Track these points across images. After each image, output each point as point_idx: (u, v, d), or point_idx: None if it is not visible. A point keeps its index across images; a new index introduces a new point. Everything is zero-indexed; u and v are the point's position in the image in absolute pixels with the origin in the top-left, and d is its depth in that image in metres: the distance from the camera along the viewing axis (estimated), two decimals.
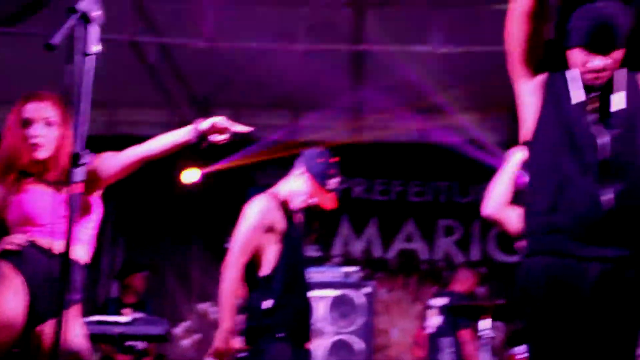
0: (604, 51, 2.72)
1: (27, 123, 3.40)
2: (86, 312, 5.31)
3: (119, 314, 6.83)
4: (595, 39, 2.70)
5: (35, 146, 3.36)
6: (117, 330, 5.88)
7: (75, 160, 2.27)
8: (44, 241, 3.38)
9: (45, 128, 3.38)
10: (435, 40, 6.97)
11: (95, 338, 5.85)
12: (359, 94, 8.41)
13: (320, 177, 4.41)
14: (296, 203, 4.40)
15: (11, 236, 3.45)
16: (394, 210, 9.31)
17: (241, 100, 8.56)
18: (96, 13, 2.29)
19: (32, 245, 3.41)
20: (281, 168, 4.59)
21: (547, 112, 2.76)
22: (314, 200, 4.42)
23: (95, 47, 2.28)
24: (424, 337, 7.77)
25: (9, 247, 3.42)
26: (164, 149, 3.62)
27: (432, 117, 8.57)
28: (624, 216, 2.61)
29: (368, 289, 6.93)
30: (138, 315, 6.70)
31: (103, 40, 6.71)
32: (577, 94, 2.73)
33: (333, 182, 4.44)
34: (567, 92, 2.77)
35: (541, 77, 2.82)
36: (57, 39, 2.19)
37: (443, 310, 6.91)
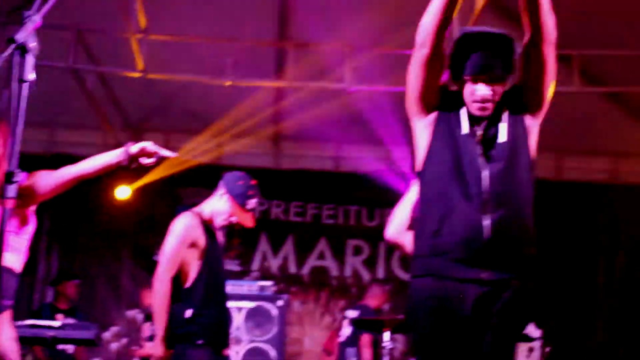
0: (488, 81, 2.74)
1: None
2: (21, 316, 5.77)
3: (52, 318, 6.66)
4: (480, 69, 2.73)
5: None
6: (49, 333, 5.79)
7: (8, 178, 2.28)
8: None
9: None
10: (347, 79, 7.06)
11: (29, 341, 5.92)
12: (279, 125, 8.58)
13: (240, 198, 4.48)
14: (218, 221, 4.47)
15: None
16: (308, 230, 9.45)
17: (171, 126, 8.62)
18: (33, 44, 2.30)
19: None
20: (207, 188, 4.67)
21: (437, 145, 2.78)
22: (235, 219, 4.48)
23: (31, 75, 2.28)
24: (333, 345, 7.96)
25: None
26: (97, 169, 3.70)
27: (346, 147, 8.85)
28: (501, 243, 2.63)
29: (281, 302, 7.06)
30: (70, 320, 6.64)
31: (46, 67, 6.82)
32: (465, 127, 2.76)
33: (252, 203, 4.51)
34: (459, 125, 2.79)
35: (433, 115, 2.83)
36: None
37: (352, 322, 7.04)
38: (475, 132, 2.78)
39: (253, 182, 4.56)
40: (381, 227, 4.88)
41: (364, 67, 7.16)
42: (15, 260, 3.65)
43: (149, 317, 6.85)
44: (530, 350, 2.80)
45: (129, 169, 5.00)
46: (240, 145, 8.80)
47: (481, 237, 2.61)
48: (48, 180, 3.67)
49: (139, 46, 6.93)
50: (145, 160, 3.72)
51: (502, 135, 2.74)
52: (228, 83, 7.20)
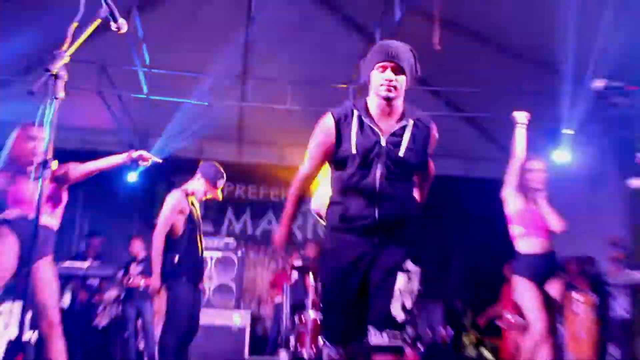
0: (393, 70, 2.72)
1: (31, 139, 3.84)
2: (63, 260, 6.41)
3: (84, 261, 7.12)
4: (387, 56, 2.72)
5: (34, 154, 3.76)
6: (81, 272, 6.51)
7: (44, 164, 2.39)
8: (30, 215, 3.69)
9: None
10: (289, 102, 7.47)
11: (67, 277, 6.64)
12: (242, 134, 9.28)
13: (212, 180, 4.81)
14: (198, 196, 4.79)
15: (10, 210, 3.80)
16: (260, 205, 10.30)
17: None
18: (63, 72, 2.39)
19: (23, 217, 3.75)
20: (190, 174, 4.88)
21: (342, 148, 2.74)
22: (209, 195, 4.86)
23: (61, 94, 2.37)
24: (276, 281, 8.55)
25: (8, 217, 3.77)
26: (109, 166, 4.06)
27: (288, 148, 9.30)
28: (385, 224, 2.69)
29: (240, 253, 7.71)
30: (95, 263, 7.24)
31: (79, 89, 6.95)
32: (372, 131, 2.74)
33: (220, 183, 4.86)
34: (362, 130, 2.75)
35: (330, 140, 2.79)
36: (35, 87, 2.33)
37: (294, 267, 7.26)
38: (377, 138, 2.74)
39: (221, 169, 4.89)
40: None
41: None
42: (54, 222, 3.95)
43: (134, 260, 7.60)
44: (410, 278, 2.62)
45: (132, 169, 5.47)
46: (214, 145, 9.30)
47: (373, 220, 2.68)
48: (77, 169, 4.01)
49: (145, 76, 7.43)
50: (142, 163, 4.14)
51: (405, 142, 2.74)
52: (206, 103, 7.74)
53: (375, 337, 2.60)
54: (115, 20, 2.67)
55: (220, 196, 4.92)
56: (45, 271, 3.74)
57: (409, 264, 2.68)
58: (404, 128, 2.77)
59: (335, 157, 2.81)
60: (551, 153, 7.31)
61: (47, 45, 6.24)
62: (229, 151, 9.40)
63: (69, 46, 2.43)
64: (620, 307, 7.26)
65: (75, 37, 2.46)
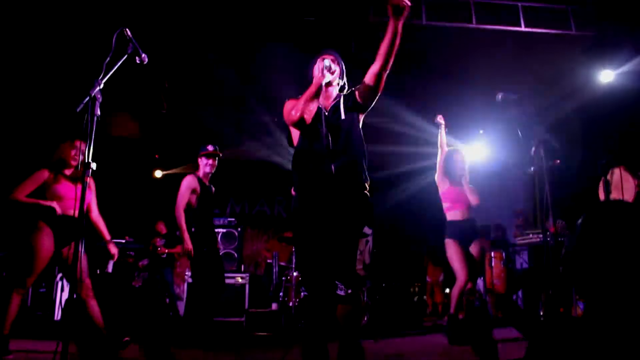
0: (331, 59, 2.78)
1: (74, 148, 3.86)
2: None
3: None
4: (325, 52, 2.81)
5: (75, 160, 3.84)
6: (119, 246, 5.89)
7: (87, 166, 2.36)
8: (66, 209, 3.70)
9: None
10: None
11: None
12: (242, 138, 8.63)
13: (199, 156, 4.69)
14: (204, 175, 4.65)
15: (47, 202, 3.74)
16: (255, 192, 9.92)
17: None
18: (99, 96, 2.38)
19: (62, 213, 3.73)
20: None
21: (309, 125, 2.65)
22: (207, 169, 4.63)
23: (97, 113, 2.36)
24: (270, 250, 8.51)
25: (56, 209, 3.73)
26: None
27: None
28: (341, 177, 2.56)
29: (240, 229, 7.69)
30: (130, 239, 7.19)
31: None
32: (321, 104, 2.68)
33: (208, 149, 4.66)
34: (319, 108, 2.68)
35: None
36: (79, 108, 2.30)
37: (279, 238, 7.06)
38: (330, 106, 2.75)
39: (203, 146, 4.68)
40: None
41: None
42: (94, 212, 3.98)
43: (158, 235, 7.50)
44: (367, 242, 2.51)
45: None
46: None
47: (330, 174, 2.56)
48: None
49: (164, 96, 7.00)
50: None
51: (343, 110, 2.70)
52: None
53: (340, 290, 2.52)
54: (140, 55, 2.68)
55: (211, 164, 4.67)
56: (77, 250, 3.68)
57: (366, 229, 2.57)
58: (338, 102, 2.77)
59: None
60: (470, 146, 7.39)
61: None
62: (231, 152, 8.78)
63: (104, 76, 2.43)
64: (523, 260, 7.47)
65: (109, 69, 2.47)
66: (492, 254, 7.34)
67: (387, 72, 2.61)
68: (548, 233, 3.64)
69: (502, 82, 5.96)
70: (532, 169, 3.51)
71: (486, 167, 7.35)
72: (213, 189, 4.76)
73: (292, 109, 2.65)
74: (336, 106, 2.72)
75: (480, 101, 6.33)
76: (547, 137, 3.32)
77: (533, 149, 3.45)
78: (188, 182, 4.53)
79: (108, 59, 2.46)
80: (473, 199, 4.66)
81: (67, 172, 3.84)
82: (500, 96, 3.57)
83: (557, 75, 5.77)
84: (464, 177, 4.77)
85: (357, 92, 2.73)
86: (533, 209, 7.38)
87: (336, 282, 2.53)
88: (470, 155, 6.49)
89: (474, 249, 4.76)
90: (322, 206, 2.57)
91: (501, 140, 7.22)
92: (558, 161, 3.59)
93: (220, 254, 6.49)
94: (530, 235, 6.42)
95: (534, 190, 6.40)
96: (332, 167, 2.55)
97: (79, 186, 3.45)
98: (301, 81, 2.92)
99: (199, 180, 4.59)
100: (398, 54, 2.51)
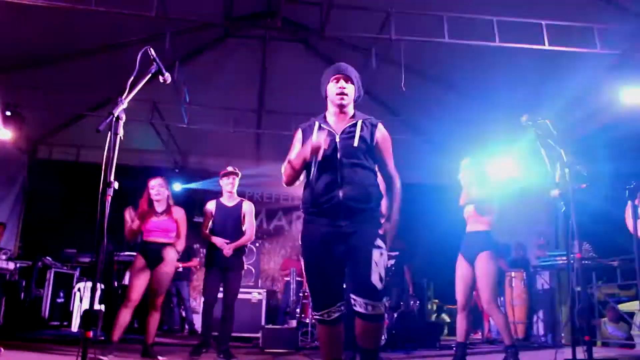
0: (344, 80, 2.67)
1: (150, 188, 4.43)
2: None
3: None
4: (339, 71, 2.69)
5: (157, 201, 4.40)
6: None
7: (109, 184, 2.31)
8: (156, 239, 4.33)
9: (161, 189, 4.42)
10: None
11: (126, 264, 6.61)
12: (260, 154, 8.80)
13: (220, 180, 4.89)
14: (227, 192, 4.81)
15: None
16: (273, 207, 9.73)
17: (203, 152, 8.81)
18: (123, 115, 2.36)
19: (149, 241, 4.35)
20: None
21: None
22: (227, 187, 4.82)
23: (121, 131, 2.35)
24: (285, 265, 8.25)
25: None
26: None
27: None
28: (347, 205, 2.49)
29: (258, 244, 7.94)
30: None
31: (136, 121, 6.86)
32: (319, 135, 2.55)
33: (222, 177, 4.87)
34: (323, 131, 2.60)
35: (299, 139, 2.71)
36: (102, 127, 2.30)
37: None
38: (335, 135, 2.62)
39: (223, 171, 4.89)
40: None
41: None
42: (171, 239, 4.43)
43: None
44: (381, 253, 2.43)
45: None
46: (237, 162, 8.01)
47: (337, 202, 2.49)
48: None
49: (185, 110, 7.34)
50: None
51: (356, 138, 2.59)
52: (231, 130, 7.66)
53: (359, 306, 2.41)
54: (163, 74, 2.70)
55: (231, 183, 4.83)
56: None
57: (379, 242, 2.47)
58: (354, 125, 2.64)
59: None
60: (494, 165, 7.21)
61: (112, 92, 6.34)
62: (248, 166, 8.74)
63: (128, 94, 2.40)
64: (544, 281, 7.34)
65: (132, 88, 2.45)
66: (513, 273, 7.21)
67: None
68: (573, 256, 3.56)
69: (524, 99, 5.89)
70: (556, 191, 3.43)
71: (507, 186, 7.06)
72: (237, 203, 4.87)
73: (291, 150, 2.68)
74: (351, 131, 2.62)
75: (504, 121, 6.23)
76: (573, 160, 3.25)
77: (558, 172, 3.38)
78: (204, 209, 4.84)
79: (132, 78, 2.43)
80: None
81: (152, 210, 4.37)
82: (525, 118, 3.50)
83: (581, 94, 5.65)
84: (472, 188, 4.37)
85: (378, 138, 2.65)
86: (555, 231, 7.22)
87: (352, 296, 2.44)
88: (494, 172, 6.32)
89: (480, 262, 4.20)
90: (329, 230, 2.50)
91: (525, 161, 7.08)
92: (584, 185, 3.45)
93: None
94: (556, 259, 6.27)
95: (556, 212, 6.56)
96: (340, 194, 2.48)
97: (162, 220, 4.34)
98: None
99: (218, 202, 4.82)
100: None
